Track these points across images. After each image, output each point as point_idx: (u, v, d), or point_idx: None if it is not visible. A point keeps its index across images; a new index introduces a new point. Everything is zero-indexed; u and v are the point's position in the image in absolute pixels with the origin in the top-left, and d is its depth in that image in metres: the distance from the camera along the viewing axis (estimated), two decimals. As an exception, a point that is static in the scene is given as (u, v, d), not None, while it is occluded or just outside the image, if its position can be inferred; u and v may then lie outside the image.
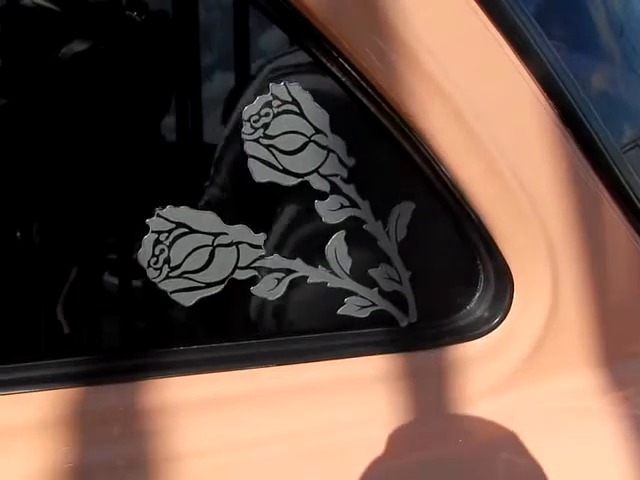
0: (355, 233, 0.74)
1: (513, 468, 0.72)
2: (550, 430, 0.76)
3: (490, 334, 0.77)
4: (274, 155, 0.70)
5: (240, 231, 0.70)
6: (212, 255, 0.70)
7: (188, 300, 0.70)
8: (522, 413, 0.76)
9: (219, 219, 0.70)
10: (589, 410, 0.79)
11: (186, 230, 0.69)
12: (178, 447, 0.67)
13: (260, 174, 0.70)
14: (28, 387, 0.65)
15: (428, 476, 0.69)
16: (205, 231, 0.69)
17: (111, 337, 0.71)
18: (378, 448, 0.70)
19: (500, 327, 0.77)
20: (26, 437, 0.64)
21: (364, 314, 0.76)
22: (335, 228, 0.73)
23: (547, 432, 0.76)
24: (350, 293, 0.75)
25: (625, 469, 0.74)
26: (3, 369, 0.66)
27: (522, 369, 0.78)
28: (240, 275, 0.71)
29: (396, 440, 0.71)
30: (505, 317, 0.78)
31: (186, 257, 0.69)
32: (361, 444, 0.70)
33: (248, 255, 0.71)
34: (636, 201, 0.81)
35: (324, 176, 0.72)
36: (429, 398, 0.74)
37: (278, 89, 0.70)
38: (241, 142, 0.69)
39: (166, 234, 0.68)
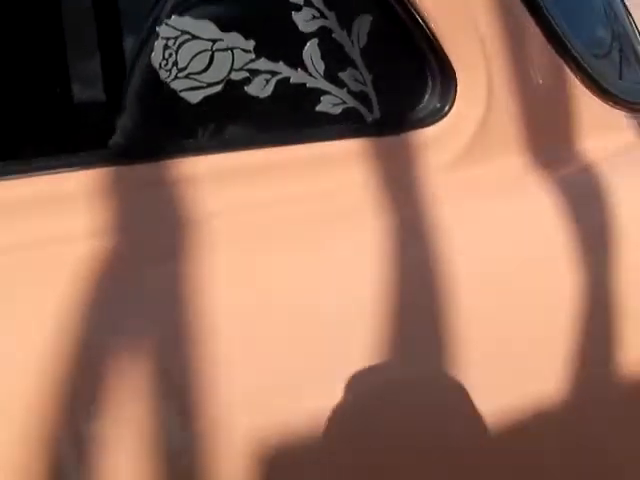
0: (326, 41, 0.91)
1: (468, 221, 0.91)
2: (495, 195, 0.95)
3: (441, 122, 0.95)
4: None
5: (234, 37, 0.86)
6: (212, 58, 0.86)
7: (194, 98, 0.86)
8: (471, 184, 0.94)
9: (216, 27, 0.85)
10: (526, 181, 0.97)
11: (189, 37, 0.84)
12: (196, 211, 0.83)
13: (248, -12, 0.86)
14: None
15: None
16: (205, 37, 0.85)
17: (138, 127, 0.87)
18: (358, 209, 0.88)
19: (448, 116, 0.95)
20: (74, 204, 0.80)
21: (337, 111, 0.93)
22: (310, 36, 0.90)
23: (493, 196, 0.95)
24: (325, 92, 0.92)
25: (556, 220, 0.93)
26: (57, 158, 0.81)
27: (468, 151, 0.96)
28: (235, 76, 0.87)
29: (371, 202, 0.88)
30: (452, 108, 0.95)
31: (190, 60, 0.85)
32: (343, 209, 0.88)
33: (241, 59, 0.87)
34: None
35: (298, -10, 0.88)
36: (396, 171, 0.92)
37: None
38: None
39: (173, 40, 0.84)
